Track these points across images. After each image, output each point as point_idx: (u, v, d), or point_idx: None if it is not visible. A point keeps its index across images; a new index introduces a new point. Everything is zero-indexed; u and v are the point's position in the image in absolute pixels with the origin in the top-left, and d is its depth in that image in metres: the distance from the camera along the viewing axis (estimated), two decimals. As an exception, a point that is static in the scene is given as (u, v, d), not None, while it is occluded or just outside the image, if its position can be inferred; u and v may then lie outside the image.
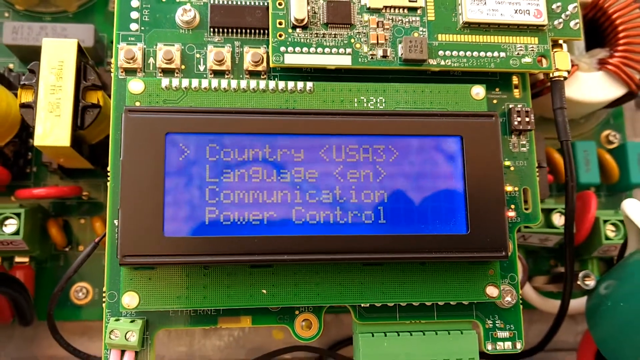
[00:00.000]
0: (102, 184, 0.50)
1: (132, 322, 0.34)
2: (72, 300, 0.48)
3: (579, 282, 0.44)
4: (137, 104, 0.35)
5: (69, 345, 0.41)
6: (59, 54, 0.41)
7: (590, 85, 0.49)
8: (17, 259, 0.46)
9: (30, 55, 0.49)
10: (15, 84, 0.48)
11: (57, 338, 0.41)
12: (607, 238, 0.47)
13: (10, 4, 0.51)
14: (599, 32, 0.52)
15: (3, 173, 0.46)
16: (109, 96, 0.44)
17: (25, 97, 0.42)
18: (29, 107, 0.41)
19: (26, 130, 0.48)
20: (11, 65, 0.51)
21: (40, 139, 0.40)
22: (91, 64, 0.43)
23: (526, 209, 0.39)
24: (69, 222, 0.49)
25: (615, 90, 0.50)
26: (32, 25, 0.48)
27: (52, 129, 0.40)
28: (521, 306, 0.37)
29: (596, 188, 0.53)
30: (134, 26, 0.38)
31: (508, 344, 0.37)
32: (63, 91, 0.41)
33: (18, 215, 0.43)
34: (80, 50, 0.42)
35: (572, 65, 0.49)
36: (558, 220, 0.47)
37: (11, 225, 0.43)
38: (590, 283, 0.44)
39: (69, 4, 0.52)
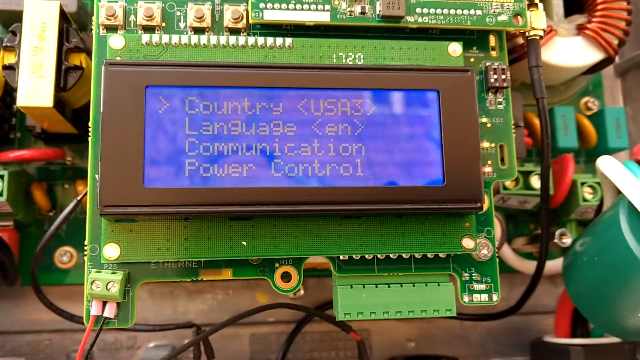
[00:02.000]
0: (85, 150, 0.49)
1: (113, 273, 0.34)
2: (57, 265, 0.49)
3: (556, 241, 0.45)
4: (118, 59, 0.35)
5: (52, 304, 0.42)
6: (41, 15, 0.42)
7: (569, 50, 0.50)
8: (1, 222, 0.47)
9: (13, 20, 0.49)
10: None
11: (40, 297, 0.41)
12: (585, 200, 0.48)
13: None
14: (576, -1, 0.53)
15: (-15, 136, 0.46)
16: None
17: (8, 59, 0.42)
18: (12, 68, 0.42)
19: (10, 94, 0.48)
20: (-6, 31, 0.51)
21: (23, 99, 0.40)
22: (74, 28, 0.43)
23: (502, 165, 0.39)
24: (53, 188, 0.50)
25: (593, 55, 0.50)
26: (15, -11, 0.49)
27: (35, 90, 0.40)
28: (497, 259, 0.38)
29: (575, 153, 0.53)
30: (114, -16, 0.38)
31: (484, 296, 0.38)
32: (45, 52, 0.41)
33: (1, 177, 0.43)
34: (62, 13, 0.42)
35: (551, 30, 0.49)
36: (536, 182, 0.48)
37: (-6, 187, 0.44)
38: (567, 241, 0.45)
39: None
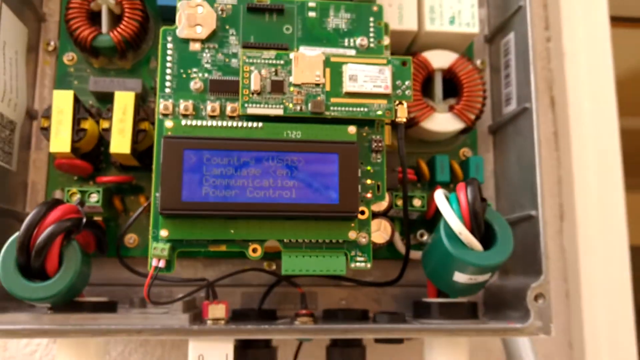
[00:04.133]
0: (144, 176, 0.81)
1: (165, 244, 0.66)
2: (125, 244, 0.80)
3: (418, 238, 0.76)
4: (169, 133, 0.67)
5: (129, 266, 0.73)
6: (125, 100, 0.73)
7: (443, 122, 0.81)
8: (95, 218, 0.79)
9: (102, 96, 0.82)
10: (94, 114, 0.80)
11: (122, 262, 0.73)
12: (447, 214, 0.79)
13: (90, 64, 0.84)
14: (451, 87, 0.84)
15: (89, 167, 0.78)
16: (151, 124, 0.76)
17: (104, 124, 0.74)
18: (107, 130, 0.74)
19: (100, 142, 0.80)
20: (91, 102, 0.83)
21: (114, 148, 0.72)
22: (143, 106, 0.75)
23: (378, 193, 0.70)
24: (123, 199, 0.82)
25: (459, 125, 0.81)
26: (105, 78, 0.81)
27: (121, 143, 0.72)
28: (371, 245, 0.69)
29: (447, 184, 0.84)
30: (167, 90, 0.70)
31: (363, 264, 0.68)
32: (126, 122, 0.73)
33: (99, 192, 0.75)
34: (136, 97, 0.74)
35: (431, 108, 0.80)
36: (417, 202, 0.78)
37: (94, 198, 0.75)
38: (424, 238, 0.76)
39: (126, 64, 0.84)
